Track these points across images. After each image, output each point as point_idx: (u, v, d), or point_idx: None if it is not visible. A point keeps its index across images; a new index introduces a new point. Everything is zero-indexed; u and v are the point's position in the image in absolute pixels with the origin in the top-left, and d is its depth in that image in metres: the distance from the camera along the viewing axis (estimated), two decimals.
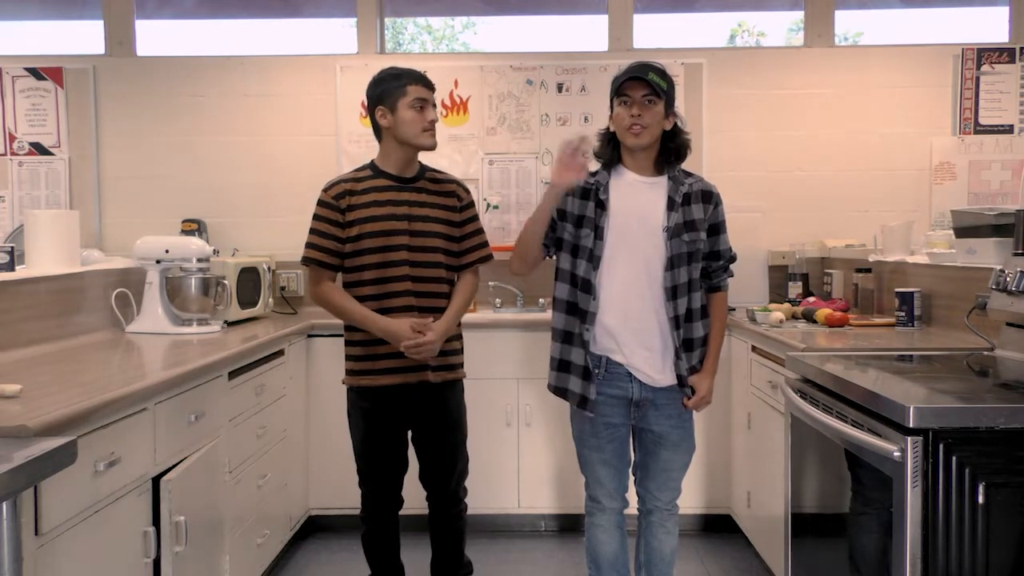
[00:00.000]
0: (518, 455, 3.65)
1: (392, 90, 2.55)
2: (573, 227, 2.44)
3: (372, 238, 2.55)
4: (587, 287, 2.41)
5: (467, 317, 3.66)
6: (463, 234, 2.69)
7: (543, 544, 3.59)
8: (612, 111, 2.45)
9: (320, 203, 2.59)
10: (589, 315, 2.40)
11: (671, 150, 2.45)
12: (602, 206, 2.42)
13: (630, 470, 2.59)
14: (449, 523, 2.77)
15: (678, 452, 2.51)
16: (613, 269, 2.41)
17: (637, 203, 2.44)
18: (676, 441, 2.50)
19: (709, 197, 2.48)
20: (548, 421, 3.63)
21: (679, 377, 2.44)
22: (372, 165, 2.65)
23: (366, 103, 2.63)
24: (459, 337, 2.73)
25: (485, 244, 2.74)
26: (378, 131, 2.62)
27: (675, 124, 2.45)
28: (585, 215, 2.43)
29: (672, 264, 2.40)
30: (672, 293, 2.40)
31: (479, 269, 2.76)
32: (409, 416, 2.66)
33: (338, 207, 2.56)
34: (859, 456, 2.01)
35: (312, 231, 2.59)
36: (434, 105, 2.63)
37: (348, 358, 2.67)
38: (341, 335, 3.66)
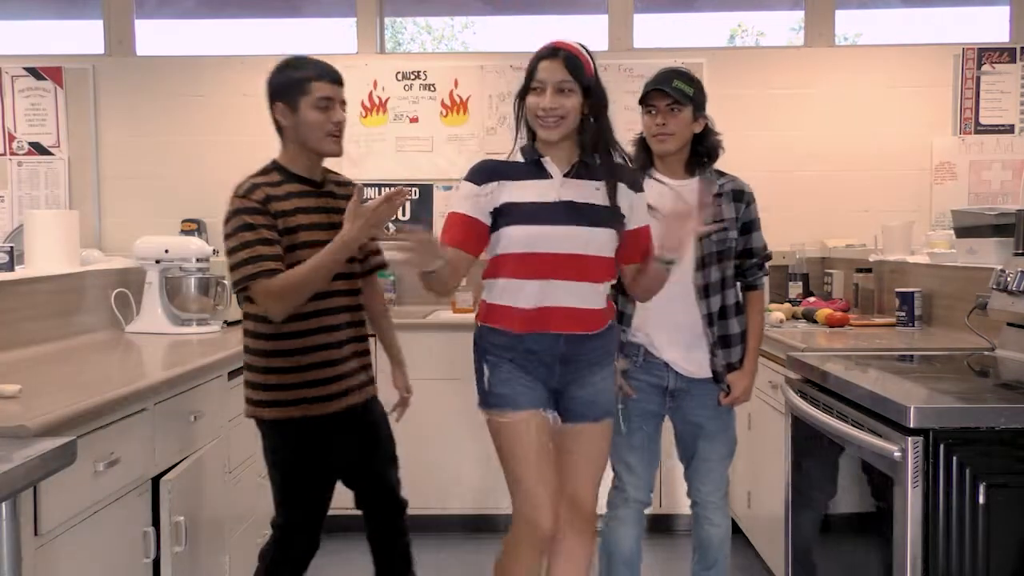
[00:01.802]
0: None
1: (292, 86, 2.19)
2: None
3: (311, 248, 2.16)
4: (623, 289, 2.42)
5: (460, 318, 3.67)
6: None
7: None
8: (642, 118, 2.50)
9: (247, 211, 2.14)
10: (626, 317, 2.47)
11: (701, 152, 2.49)
12: None
13: (658, 470, 2.64)
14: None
15: (715, 443, 2.53)
16: None
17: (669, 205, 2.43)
18: (713, 432, 2.52)
19: (741, 196, 2.51)
20: None
21: (715, 373, 2.48)
22: (279, 167, 2.26)
23: (267, 95, 2.25)
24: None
25: (381, 251, 2.46)
26: (279, 130, 2.26)
27: (706, 126, 2.49)
28: None
29: (703, 264, 2.44)
30: (704, 291, 2.44)
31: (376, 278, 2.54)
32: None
33: (268, 211, 2.16)
34: (859, 456, 2.01)
35: (248, 244, 2.11)
36: (343, 104, 2.27)
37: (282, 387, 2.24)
38: None
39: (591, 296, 2.18)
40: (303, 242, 2.19)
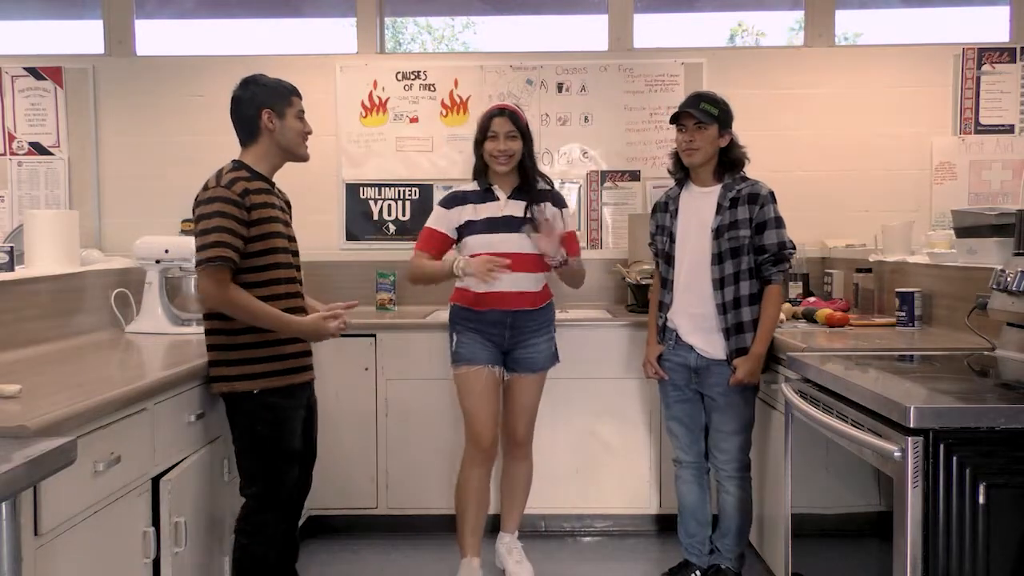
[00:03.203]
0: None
1: (280, 97, 2.54)
2: (661, 236, 2.99)
3: (280, 239, 2.49)
4: (665, 283, 2.98)
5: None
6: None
7: (540, 544, 3.58)
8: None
9: (224, 200, 2.37)
10: (664, 305, 2.97)
11: (727, 163, 2.89)
12: (674, 215, 2.94)
13: (703, 435, 3.01)
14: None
15: (726, 416, 2.89)
16: (680, 265, 2.91)
17: (696, 210, 2.90)
18: (723, 406, 2.88)
19: (756, 199, 2.84)
20: (546, 422, 3.63)
21: (727, 355, 2.84)
22: (245, 166, 2.51)
23: (245, 103, 2.54)
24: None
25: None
26: (254, 133, 2.54)
27: (731, 141, 2.89)
28: (665, 225, 2.97)
29: (719, 259, 2.83)
30: (719, 284, 2.84)
31: None
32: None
33: (244, 205, 2.39)
34: (859, 456, 2.01)
35: (220, 229, 2.34)
36: None
37: (268, 358, 2.48)
38: (340, 335, 3.65)
39: (527, 282, 2.99)
40: (275, 232, 2.48)
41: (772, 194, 2.86)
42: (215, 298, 2.37)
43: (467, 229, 3.00)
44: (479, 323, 3.01)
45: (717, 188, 2.88)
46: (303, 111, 2.59)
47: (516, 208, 2.99)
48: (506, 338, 3.02)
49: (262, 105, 2.52)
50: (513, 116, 2.95)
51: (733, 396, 2.85)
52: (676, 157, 2.94)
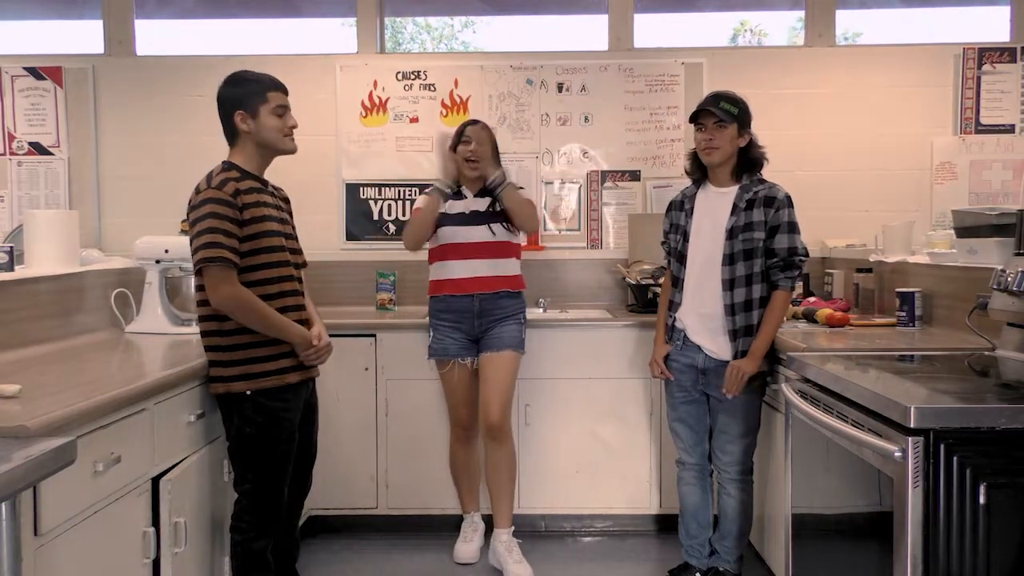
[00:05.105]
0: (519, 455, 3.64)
1: (253, 95, 2.48)
2: (675, 235, 2.99)
3: (274, 237, 2.49)
4: (676, 282, 2.96)
5: None
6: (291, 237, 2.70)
7: (540, 544, 3.58)
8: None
9: (217, 201, 2.37)
10: (674, 304, 2.96)
11: (745, 163, 2.86)
12: (689, 215, 2.94)
13: (707, 437, 3.00)
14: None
15: (733, 419, 2.88)
16: (691, 265, 2.91)
17: (711, 209, 2.90)
18: (729, 409, 2.87)
19: (771, 202, 2.82)
20: (546, 422, 3.63)
21: (733, 357, 2.83)
22: (235, 167, 2.49)
23: (221, 104, 2.50)
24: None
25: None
26: (234, 134, 2.51)
27: (750, 140, 2.86)
28: (679, 223, 2.97)
29: (731, 260, 2.82)
30: (729, 284, 2.82)
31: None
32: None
33: (236, 205, 2.40)
34: (860, 456, 2.01)
35: (214, 230, 2.35)
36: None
37: (260, 359, 2.49)
38: (340, 335, 3.63)
39: (492, 268, 3.27)
40: (269, 231, 2.48)
41: (789, 198, 2.84)
42: (221, 296, 2.37)
43: (440, 220, 3.30)
44: (450, 312, 3.29)
45: (734, 189, 2.86)
46: (284, 105, 2.53)
47: (481, 204, 3.30)
48: (475, 325, 3.27)
49: (234, 107, 2.48)
50: (485, 126, 3.34)
51: (739, 398, 2.84)
52: (694, 156, 2.93)
